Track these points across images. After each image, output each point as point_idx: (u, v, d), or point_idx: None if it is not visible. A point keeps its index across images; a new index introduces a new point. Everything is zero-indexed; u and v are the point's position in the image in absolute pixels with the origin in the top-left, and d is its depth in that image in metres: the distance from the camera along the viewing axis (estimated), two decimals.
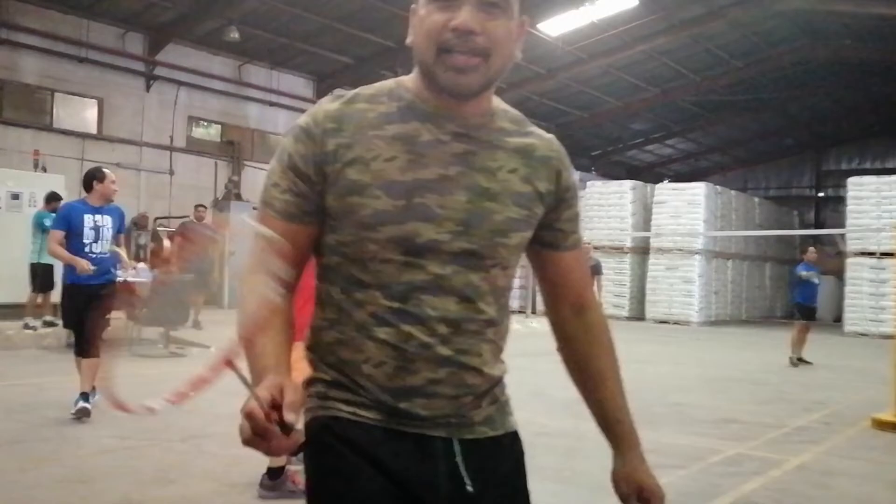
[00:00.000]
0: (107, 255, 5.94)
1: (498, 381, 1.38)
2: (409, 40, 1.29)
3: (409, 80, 1.33)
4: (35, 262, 10.28)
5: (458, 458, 1.30)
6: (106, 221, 5.95)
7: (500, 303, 1.36)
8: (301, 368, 4.54)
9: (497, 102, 1.37)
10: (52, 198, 10.68)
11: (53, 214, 10.80)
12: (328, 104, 1.31)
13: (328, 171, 1.26)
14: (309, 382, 1.35)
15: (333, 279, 1.32)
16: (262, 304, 1.19)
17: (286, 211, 1.28)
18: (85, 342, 5.81)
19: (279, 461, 4.15)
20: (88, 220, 5.88)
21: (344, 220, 1.27)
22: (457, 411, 1.31)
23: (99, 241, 5.89)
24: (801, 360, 10.94)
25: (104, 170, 6.10)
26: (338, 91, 1.35)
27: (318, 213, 1.29)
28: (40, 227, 10.31)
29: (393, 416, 1.28)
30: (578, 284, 1.47)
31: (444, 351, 1.27)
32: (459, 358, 1.29)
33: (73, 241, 5.82)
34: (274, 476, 4.15)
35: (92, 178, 5.99)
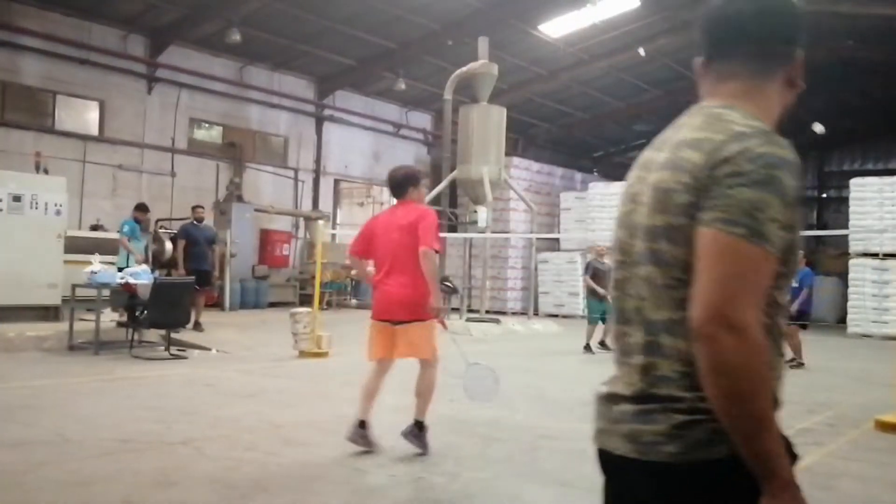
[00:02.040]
0: None
1: None
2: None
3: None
4: (125, 266, 10.95)
5: None
6: None
7: None
8: (433, 349, 4.57)
9: None
10: (143, 208, 12.14)
11: (137, 224, 11.69)
12: (786, 151, 1.41)
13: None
14: None
15: (766, 309, 1.38)
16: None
17: (783, 248, 1.34)
18: None
19: (424, 415, 4.61)
20: None
21: (791, 253, 1.38)
22: None
23: None
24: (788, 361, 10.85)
25: None
26: (782, 142, 1.45)
27: None
28: (136, 236, 11.63)
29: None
30: None
31: None
32: None
33: None
34: (421, 427, 4.59)
35: None
